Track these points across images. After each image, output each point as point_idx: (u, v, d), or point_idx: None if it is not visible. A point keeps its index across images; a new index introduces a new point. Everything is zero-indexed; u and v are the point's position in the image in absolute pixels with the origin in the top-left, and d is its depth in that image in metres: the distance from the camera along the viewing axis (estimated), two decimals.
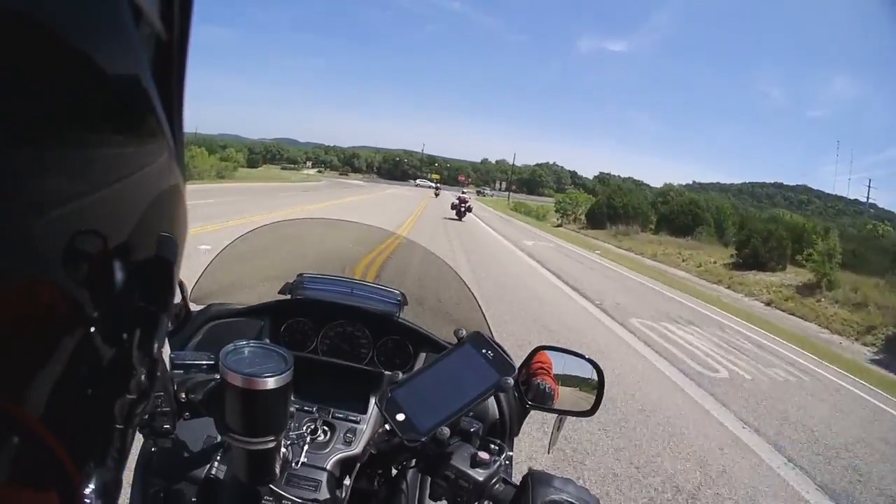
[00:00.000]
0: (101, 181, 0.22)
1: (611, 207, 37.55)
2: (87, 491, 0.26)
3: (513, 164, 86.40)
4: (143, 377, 0.31)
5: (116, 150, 0.22)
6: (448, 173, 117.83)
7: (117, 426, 0.29)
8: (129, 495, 1.00)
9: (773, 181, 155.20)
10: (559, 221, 43.16)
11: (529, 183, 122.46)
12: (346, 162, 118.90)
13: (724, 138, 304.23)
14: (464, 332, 0.86)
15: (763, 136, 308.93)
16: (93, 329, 0.24)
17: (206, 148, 34.67)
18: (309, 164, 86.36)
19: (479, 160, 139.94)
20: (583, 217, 41.62)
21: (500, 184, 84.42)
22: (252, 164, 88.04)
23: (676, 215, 32.65)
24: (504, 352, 0.83)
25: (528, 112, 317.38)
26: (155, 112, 0.23)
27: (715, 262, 19.47)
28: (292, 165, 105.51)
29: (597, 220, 37.20)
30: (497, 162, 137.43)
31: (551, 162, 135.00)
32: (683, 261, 20.05)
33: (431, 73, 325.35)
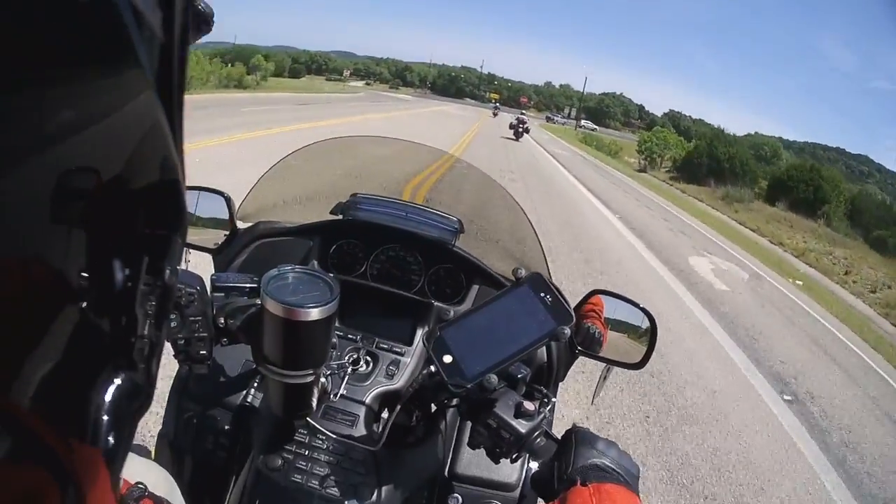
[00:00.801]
0: (78, 119, 0.20)
1: (713, 159, 30.07)
2: (87, 471, 0.25)
3: (583, 92, 73.31)
4: (153, 324, 0.30)
5: (90, 85, 0.20)
6: (508, 94, 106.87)
7: (120, 397, 0.28)
8: (163, 419, 1.00)
9: (835, 146, 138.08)
10: (641, 165, 35.55)
11: (595, 113, 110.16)
12: (398, 75, 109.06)
13: (788, 92, 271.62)
14: (523, 272, 0.81)
15: (828, 97, 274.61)
16: (91, 289, 0.23)
17: (238, 58, 30.83)
18: (347, 72, 77.29)
19: (542, 83, 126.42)
20: (668, 163, 34.83)
21: (570, 111, 70.45)
22: (294, 74, 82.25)
23: (796, 183, 25.12)
24: (563, 297, 0.78)
25: (595, 38, 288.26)
26: (130, 40, 0.21)
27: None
28: (338, 77, 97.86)
29: (692, 171, 29.97)
30: (561, 86, 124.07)
31: (618, 92, 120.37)
32: (846, 273, 12.74)
33: (499, 16, 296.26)
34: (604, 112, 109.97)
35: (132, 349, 0.28)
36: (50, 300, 0.21)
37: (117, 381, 0.27)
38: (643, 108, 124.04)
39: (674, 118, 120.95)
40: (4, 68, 0.17)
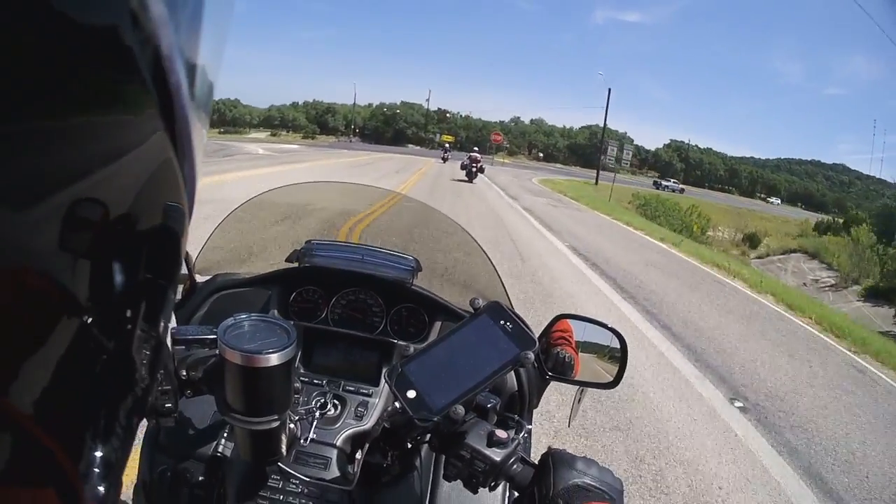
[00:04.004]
0: (90, 158, 0.20)
1: None
2: (87, 484, 0.25)
3: (605, 119, 42.76)
4: (148, 358, 0.30)
5: (101, 123, 0.21)
6: (468, 135, 79.37)
7: (120, 413, 0.28)
8: (136, 473, 0.99)
9: (810, 158, 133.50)
10: None
11: (583, 151, 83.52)
12: (316, 120, 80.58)
13: (748, 112, 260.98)
14: (480, 302, 0.81)
15: (788, 111, 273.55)
16: (93, 312, 0.23)
17: None
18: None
19: (509, 119, 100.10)
20: None
21: (619, 152, 36.71)
22: None
23: None
24: (524, 323, 0.79)
25: (560, 75, 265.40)
26: (142, 80, 0.21)
27: None
28: (236, 130, 71.82)
29: None
30: (533, 122, 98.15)
31: (601, 124, 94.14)
32: None
33: (446, 41, 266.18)
34: (597, 149, 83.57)
35: (134, 365, 0.29)
36: (54, 315, 0.21)
37: (117, 394, 0.28)
38: (630, 139, 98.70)
39: (678, 149, 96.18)
40: (29, 102, 0.17)
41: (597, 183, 35.71)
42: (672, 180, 66.29)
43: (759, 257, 30.93)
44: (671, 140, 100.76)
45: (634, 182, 53.29)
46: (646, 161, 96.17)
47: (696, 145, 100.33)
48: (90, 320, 0.23)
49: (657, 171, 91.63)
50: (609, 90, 38.24)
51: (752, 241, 30.29)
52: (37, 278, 0.20)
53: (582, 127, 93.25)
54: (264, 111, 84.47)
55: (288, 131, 77.90)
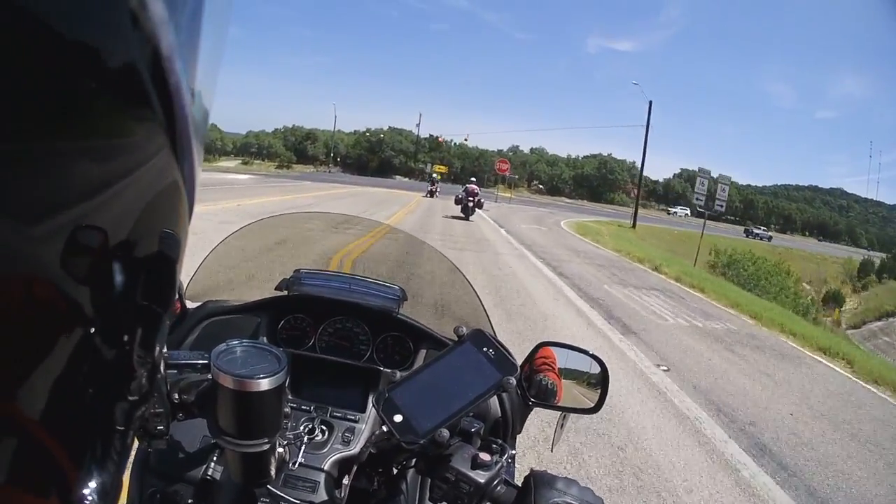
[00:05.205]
0: (96, 179, 0.21)
1: None
2: (87, 491, 0.26)
3: (646, 136, 28.81)
4: (143, 378, 0.31)
5: (109, 145, 0.21)
6: (463, 164, 72.11)
7: (117, 427, 0.29)
8: (125, 495, 1.00)
9: (808, 184, 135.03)
10: None
11: (590, 183, 76.33)
12: (294, 148, 73.17)
13: (742, 139, 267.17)
14: (464, 330, 0.84)
15: (781, 137, 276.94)
16: (93, 330, 0.24)
17: None
18: None
19: (507, 148, 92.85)
20: None
21: (723, 195, 28.02)
22: None
23: None
24: (506, 350, 0.82)
25: (559, 103, 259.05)
26: (150, 104, 0.22)
27: None
28: (207, 157, 62.33)
29: None
30: (533, 151, 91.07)
31: (605, 153, 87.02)
32: None
33: (438, 68, 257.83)
34: (606, 181, 76.23)
35: (130, 386, 0.29)
36: (41, 355, 0.21)
37: (113, 414, 0.28)
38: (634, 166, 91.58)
39: (690, 179, 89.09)
40: (40, 125, 0.18)
41: (634, 226, 28.04)
42: (762, 228, 62.21)
43: (854, 327, 23.32)
44: (682, 169, 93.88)
45: (653, 219, 45.65)
46: (654, 192, 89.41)
47: (709, 170, 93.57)
48: (90, 337, 0.24)
49: (666, 203, 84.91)
50: (650, 103, 30.00)
51: (836, 300, 24.21)
52: (43, 289, 0.20)
53: (588, 156, 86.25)
54: (242, 137, 77.22)
55: (263, 159, 70.62)
